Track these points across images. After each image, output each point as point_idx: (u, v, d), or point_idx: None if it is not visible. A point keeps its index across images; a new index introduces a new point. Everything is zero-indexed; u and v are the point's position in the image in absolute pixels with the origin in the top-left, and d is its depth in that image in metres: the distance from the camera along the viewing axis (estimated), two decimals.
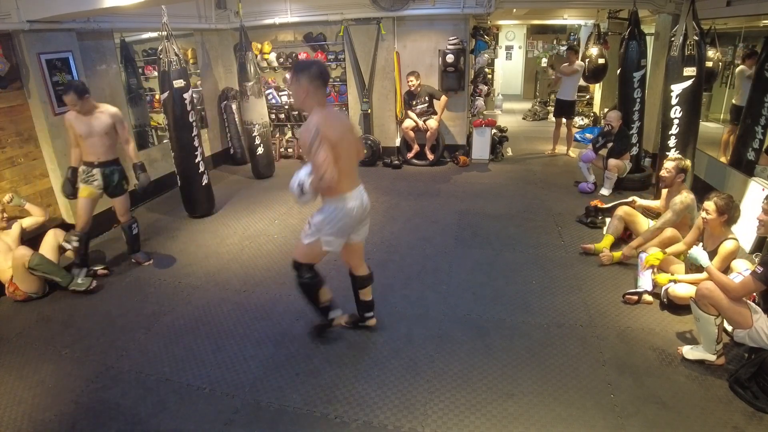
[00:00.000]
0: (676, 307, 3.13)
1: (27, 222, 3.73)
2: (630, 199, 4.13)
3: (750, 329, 2.45)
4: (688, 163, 3.57)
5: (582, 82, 6.95)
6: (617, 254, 3.80)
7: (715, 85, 6.02)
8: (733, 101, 5.49)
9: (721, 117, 6.22)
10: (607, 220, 4.22)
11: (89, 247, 3.95)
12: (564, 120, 7.06)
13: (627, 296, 3.28)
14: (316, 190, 2.41)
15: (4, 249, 3.52)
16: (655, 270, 3.28)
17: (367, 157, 6.75)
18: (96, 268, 3.88)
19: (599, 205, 4.51)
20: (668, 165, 3.54)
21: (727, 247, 2.84)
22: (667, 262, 3.32)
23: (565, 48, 9.18)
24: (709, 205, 2.89)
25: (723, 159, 5.15)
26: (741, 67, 5.36)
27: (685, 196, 3.52)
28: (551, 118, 8.47)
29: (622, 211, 4.01)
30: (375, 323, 3.06)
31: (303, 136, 2.40)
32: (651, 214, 3.99)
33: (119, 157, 3.89)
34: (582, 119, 9.02)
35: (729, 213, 2.87)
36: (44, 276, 3.46)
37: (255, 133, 6.12)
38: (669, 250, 3.30)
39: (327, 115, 2.42)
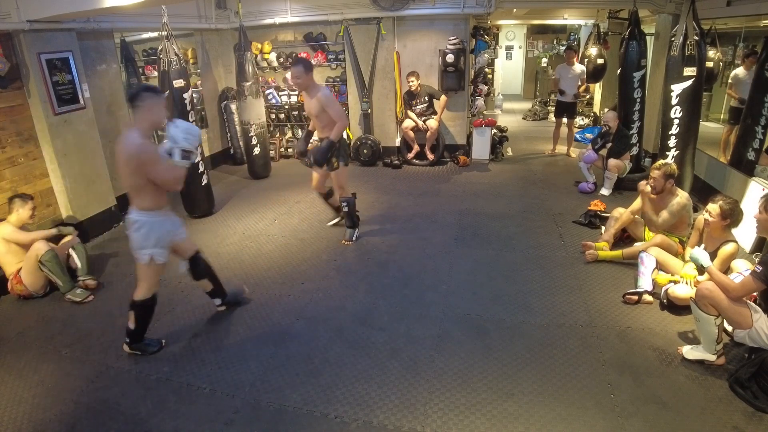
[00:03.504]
0: (676, 307, 3.13)
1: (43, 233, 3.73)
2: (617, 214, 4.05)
3: (750, 329, 2.45)
4: (674, 167, 3.57)
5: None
6: (604, 253, 3.81)
7: (715, 85, 6.02)
8: (731, 104, 5.50)
9: (721, 117, 6.22)
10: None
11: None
12: (565, 120, 7.06)
13: (627, 296, 3.28)
14: None
15: (16, 250, 3.55)
16: (657, 271, 3.28)
17: (367, 157, 6.76)
18: (84, 278, 3.70)
19: (599, 211, 4.52)
20: (655, 173, 3.53)
21: (726, 249, 2.84)
22: (669, 265, 3.32)
23: (564, 47, 9.17)
24: (714, 208, 2.89)
25: (723, 159, 5.15)
26: (735, 71, 5.41)
27: (681, 196, 3.53)
28: (551, 118, 8.48)
29: (617, 212, 4.01)
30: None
31: None
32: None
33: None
34: (582, 119, 9.03)
35: (732, 218, 2.87)
36: (49, 274, 3.46)
37: (252, 134, 6.12)
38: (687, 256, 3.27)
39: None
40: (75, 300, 3.49)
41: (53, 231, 3.80)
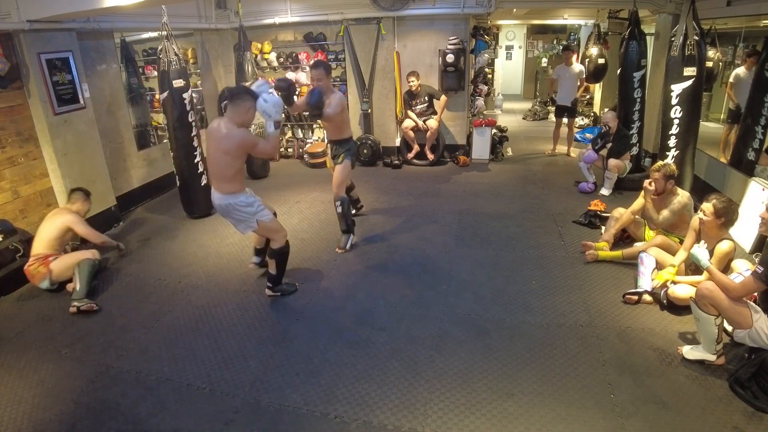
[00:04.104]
0: (676, 307, 3.13)
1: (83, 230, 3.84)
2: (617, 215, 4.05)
3: (750, 329, 2.45)
4: (673, 167, 3.56)
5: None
6: (604, 253, 3.81)
7: (715, 85, 6.02)
8: (730, 107, 5.50)
9: (721, 117, 6.22)
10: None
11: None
12: (565, 120, 7.06)
13: (627, 296, 3.28)
14: None
15: (67, 239, 3.75)
16: (657, 271, 3.28)
17: (367, 157, 6.76)
18: (79, 305, 3.41)
19: (599, 211, 4.52)
20: (655, 175, 3.53)
21: (722, 248, 2.83)
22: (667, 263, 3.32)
23: (562, 48, 9.18)
24: (708, 207, 2.89)
25: (723, 159, 5.15)
26: (736, 70, 5.40)
27: (682, 195, 3.54)
28: (551, 118, 8.48)
29: (617, 212, 4.01)
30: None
31: None
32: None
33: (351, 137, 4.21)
34: (582, 119, 9.02)
35: (727, 216, 2.86)
36: (77, 275, 3.48)
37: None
38: (676, 260, 3.27)
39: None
40: (78, 305, 3.39)
41: (120, 245, 4.19)
